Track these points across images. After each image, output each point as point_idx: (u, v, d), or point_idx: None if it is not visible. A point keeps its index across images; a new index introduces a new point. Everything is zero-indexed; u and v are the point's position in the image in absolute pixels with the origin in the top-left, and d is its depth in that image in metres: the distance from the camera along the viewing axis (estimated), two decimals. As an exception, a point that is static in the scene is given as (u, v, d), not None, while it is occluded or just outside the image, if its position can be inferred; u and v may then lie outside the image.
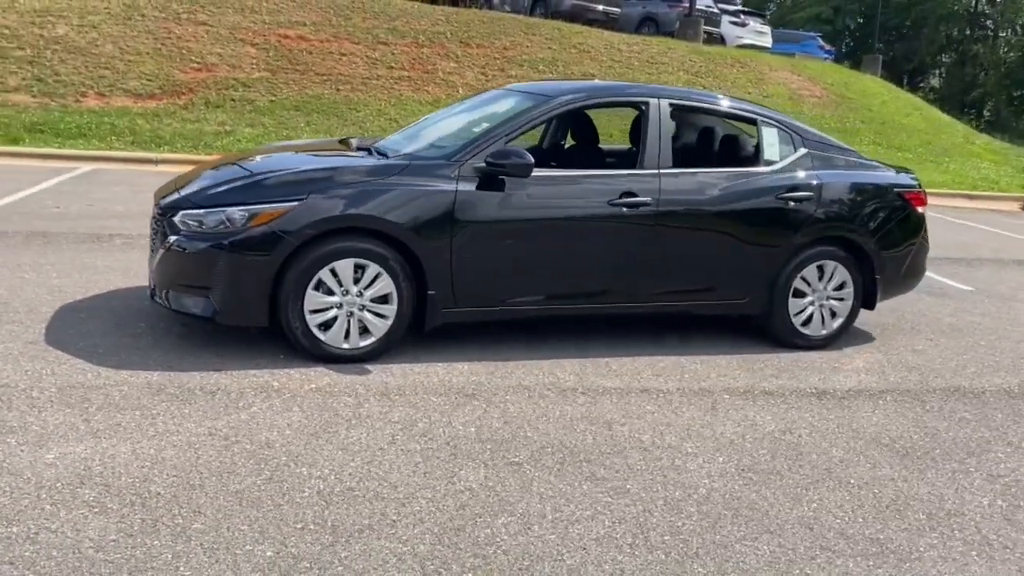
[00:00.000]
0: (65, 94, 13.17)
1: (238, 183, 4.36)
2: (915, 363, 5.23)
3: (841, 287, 5.31)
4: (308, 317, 4.29)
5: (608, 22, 21.49)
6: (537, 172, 4.61)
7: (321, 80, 14.82)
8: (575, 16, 21.00)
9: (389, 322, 4.42)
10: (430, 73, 16.00)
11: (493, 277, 4.57)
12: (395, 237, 4.33)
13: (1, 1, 14.87)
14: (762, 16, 27.27)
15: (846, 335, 5.59)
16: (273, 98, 14.07)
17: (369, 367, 4.37)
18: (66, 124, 12.14)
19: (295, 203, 4.19)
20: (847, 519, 3.23)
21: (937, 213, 12.05)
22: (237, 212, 4.18)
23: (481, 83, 15.67)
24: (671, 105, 5.02)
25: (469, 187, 4.46)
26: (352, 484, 3.17)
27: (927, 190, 5.92)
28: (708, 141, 5.67)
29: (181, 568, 2.59)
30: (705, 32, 22.16)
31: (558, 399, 4.16)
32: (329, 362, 4.36)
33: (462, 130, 5.00)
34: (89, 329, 4.56)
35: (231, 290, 4.20)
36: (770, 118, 5.28)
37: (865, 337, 5.71)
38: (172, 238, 4.27)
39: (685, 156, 5.18)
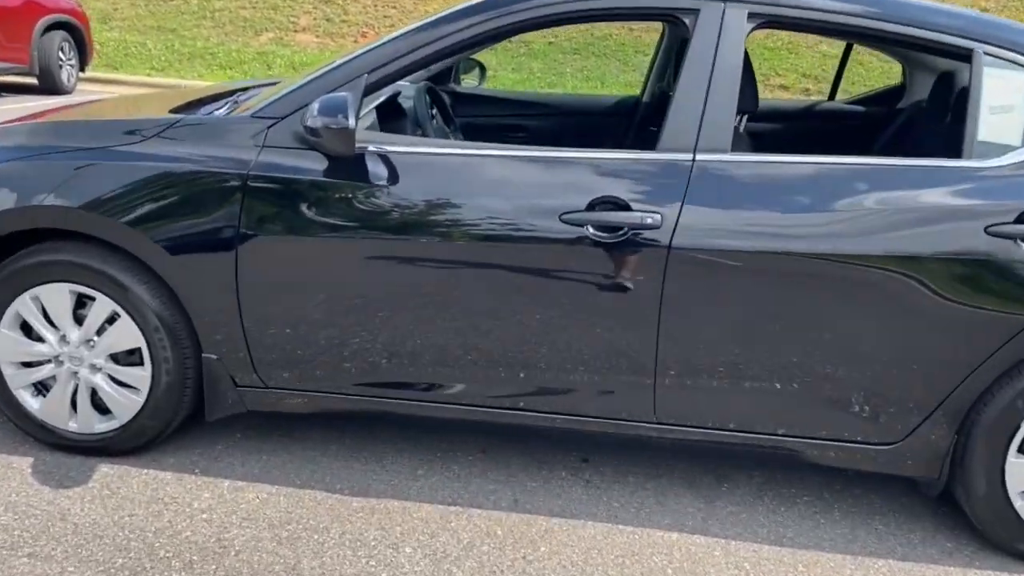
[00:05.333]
0: (346, 34, 12.70)
1: None
2: None
3: None
4: (6, 372, 2.56)
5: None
6: (420, 151, 2.37)
7: (613, 18, 12.70)
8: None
9: (142, 397, 2.53)
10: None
11: (328, 338, 2.44)
12: (134, 253, 2.41)
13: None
14: None
15: None
16: (553, 40, 12.32)
17: (107, 467, 2.54)
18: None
19: (-18, 179, 2.45)
20: None
21: None
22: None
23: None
24: (751, 15, 2.35)
25: (281, 169, 2.35)
26: None
27: None
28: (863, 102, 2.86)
29: None
30: None
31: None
32: (58, 449, 2.61)
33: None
34: None
35: None
36: (1018, 51, 2.32)
37: None
38: None
39: (786, 133, 2.51)
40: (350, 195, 2.31)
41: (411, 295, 2.35)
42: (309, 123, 2.21)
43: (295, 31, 12.71)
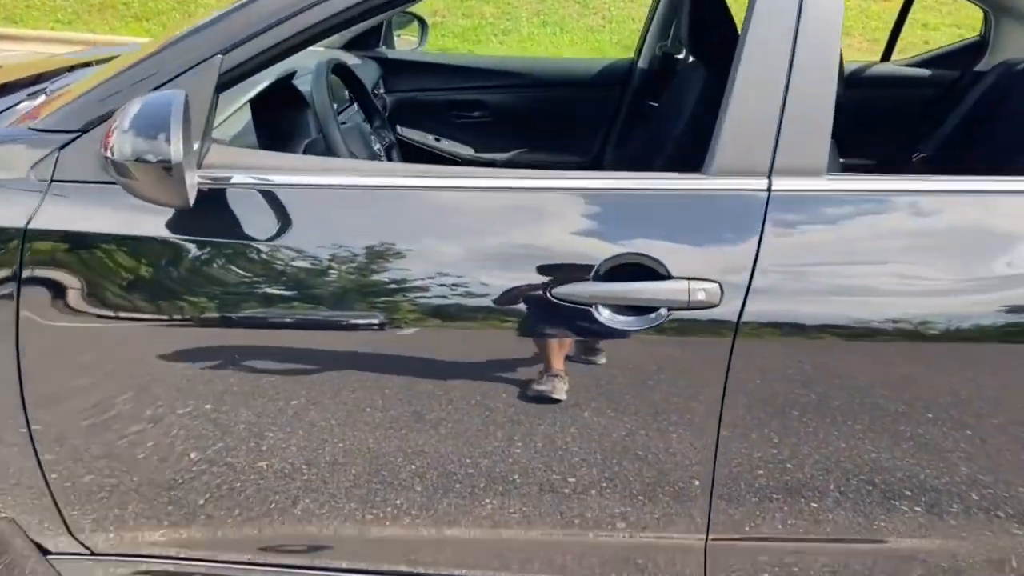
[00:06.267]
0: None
1: None
2: None
3: None
4: None
5: None
6: (317, 181, 1.43)
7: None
8: None
9: None
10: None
11: (184, 474, 1.52)
12: None
13: None
14: None
15: None
16: (503, -20, 11.21)
17: None
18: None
19: None
20: None
21: None
22: None
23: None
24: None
25: (82, 221, 1.39)
26: None
27: None
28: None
29: None
30: None
31: None
32: None
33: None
34: None
35: None
36: None
37: None
38: None
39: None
40: (202, 259, 1.38)
41: (305, 408, 1.44)
42: (114, 153, 1.25)
43: (219, -24, 11.43)
